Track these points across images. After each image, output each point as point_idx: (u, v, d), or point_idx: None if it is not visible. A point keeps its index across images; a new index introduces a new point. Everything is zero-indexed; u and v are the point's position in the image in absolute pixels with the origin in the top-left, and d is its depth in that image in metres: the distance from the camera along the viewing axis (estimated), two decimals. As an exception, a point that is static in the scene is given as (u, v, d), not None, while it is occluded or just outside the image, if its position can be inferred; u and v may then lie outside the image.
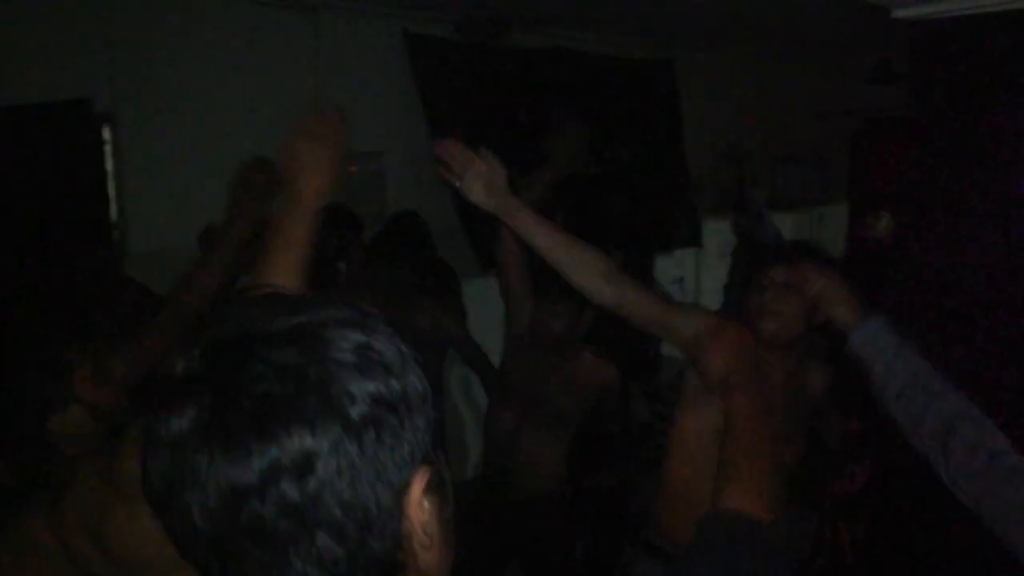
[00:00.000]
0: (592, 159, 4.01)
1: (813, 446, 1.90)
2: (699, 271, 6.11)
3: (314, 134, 1.29)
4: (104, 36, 3.14)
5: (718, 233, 5.66)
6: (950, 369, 1.31)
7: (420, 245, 3.29)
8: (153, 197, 3.23)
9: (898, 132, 4.98)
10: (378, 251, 3.19)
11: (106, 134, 3.20)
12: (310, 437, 0.53)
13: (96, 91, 3.11)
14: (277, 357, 0.55)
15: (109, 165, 3.20)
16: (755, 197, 4.57)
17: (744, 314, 1.70)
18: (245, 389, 0.54)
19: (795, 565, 2.15)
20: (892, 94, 4.62)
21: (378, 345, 0.59)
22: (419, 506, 0.59)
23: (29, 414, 1.28)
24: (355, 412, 0.55)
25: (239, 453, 0.52)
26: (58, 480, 1.26)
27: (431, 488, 0.60)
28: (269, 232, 1.27)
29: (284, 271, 1.19)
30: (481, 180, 1.53)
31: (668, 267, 5.58)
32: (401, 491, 0.58)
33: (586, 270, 1.54)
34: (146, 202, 3.25)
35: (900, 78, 4.96)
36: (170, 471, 0.54)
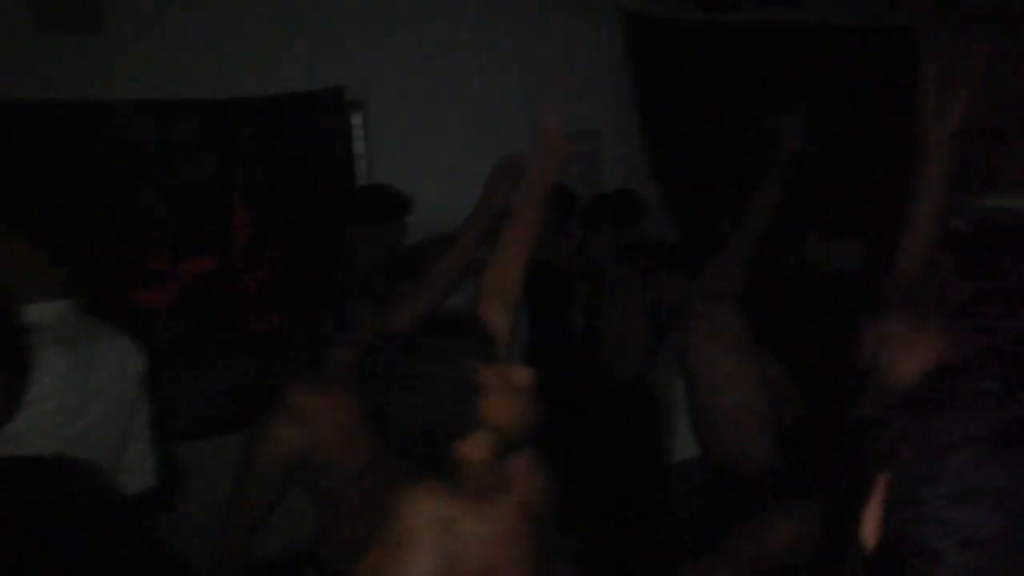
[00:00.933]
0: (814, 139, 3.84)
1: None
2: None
3: (549, 144, 1.61)
4: (357, 28, 3.49)
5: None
6: None
7: (622, 222, 3.36)
8: (398, 180, 3.57)
9: None
10: (586, 223, 3.38)
11: (356, 120, 3.60)
12: None
13: (349, 80, 3.52)
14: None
15: (359, 149, 3.61)
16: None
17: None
18: None
19: None
20: None
21: None
22: None
23: (429, 438, 1.22)
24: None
25: None
26: None
27: None
28: (511, 214, 1.59)
29: (517, 250, 1.49)
30: None
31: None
32: None
33: None
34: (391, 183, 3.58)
35: None
36: None
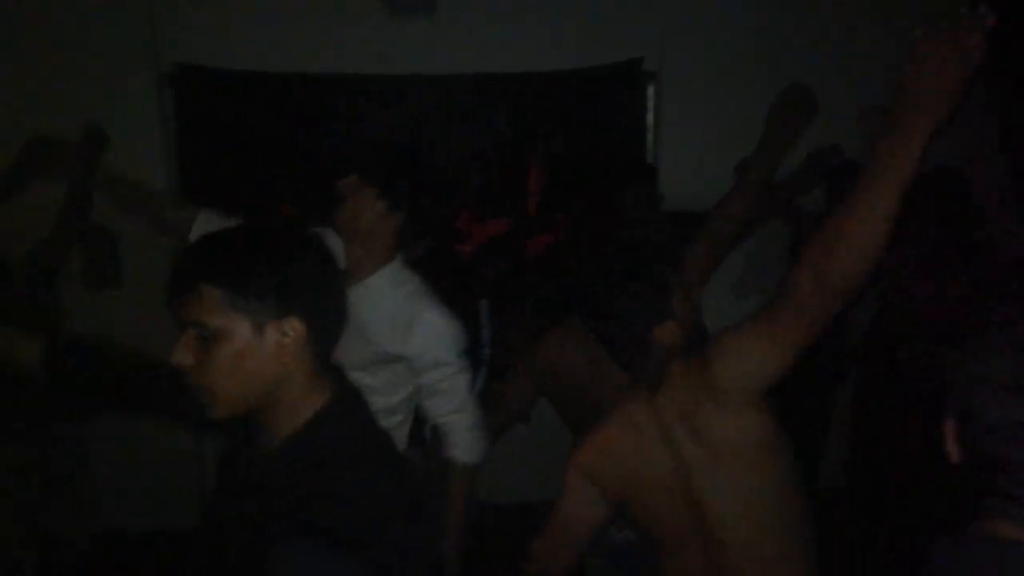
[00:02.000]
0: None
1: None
2: None
3: (951, 42, 1.10)
4: (657, 2, 3.56)
5: None
6: None
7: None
8: (686, 152, 3.59)
9: None
10: None
11: (650, 91, 3.66)
12: None
13: (646, 53, 3.58)
14: None
15: (650, 120, 3.67)
16: None
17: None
18: None
19: None
20: None
21: None
22: None
23: (638, 324, 1.56)
24: None
25: None
26: (657, 379, 1.59)
27: None
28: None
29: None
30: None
31: None
32: None
33: None
34: (679, 157, 3.61)
35: None
36: None
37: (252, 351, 1.00)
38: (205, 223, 2.02)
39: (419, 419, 2.18)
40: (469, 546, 2.14)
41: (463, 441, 2.04)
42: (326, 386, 1.09)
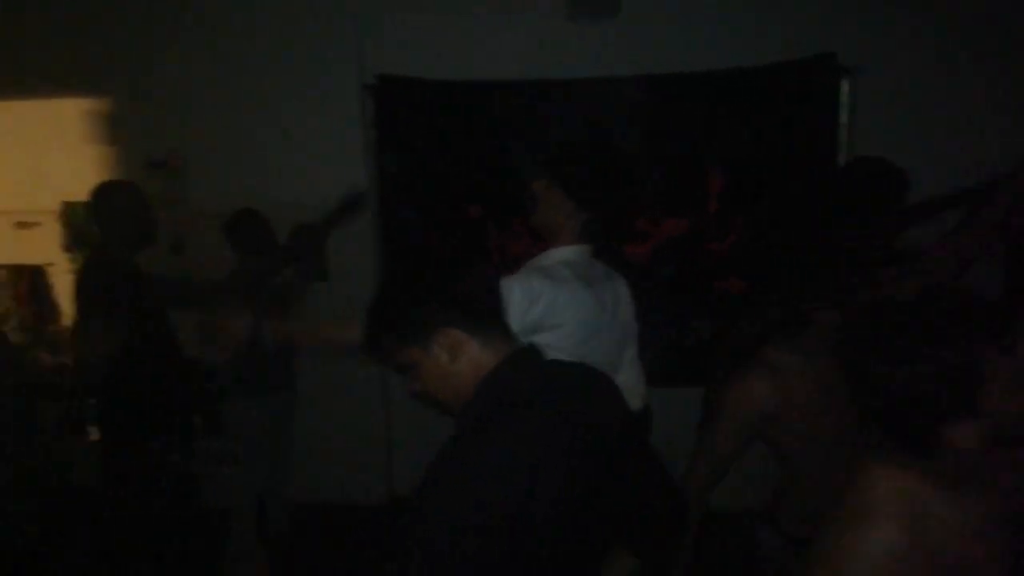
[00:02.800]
0: None
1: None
2: None
3: None
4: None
5: None
6: None
7: None
8: (884, 152, 3.35)
9: None
10: None
11: (844, 87, 3.47)
12: None
13: (840, 46, 3.39)
14: None
15: (843, 117, 3.48)
16: None
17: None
18: None
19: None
20: None
21: None
22: None
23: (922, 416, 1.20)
24: None
25: None
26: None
27: None
28: None
29: None
30: None
31: None
32: None
33: None
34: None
35: None
36: None
37: (435, 365, 1.29)
38: None
39: None
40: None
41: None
42: (499, 351, 1.30)
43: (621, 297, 2.16)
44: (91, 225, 2.79)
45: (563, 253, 2.05)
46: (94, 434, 2.95)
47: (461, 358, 1.27)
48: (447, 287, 1.29)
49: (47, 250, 3.79)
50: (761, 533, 2.03)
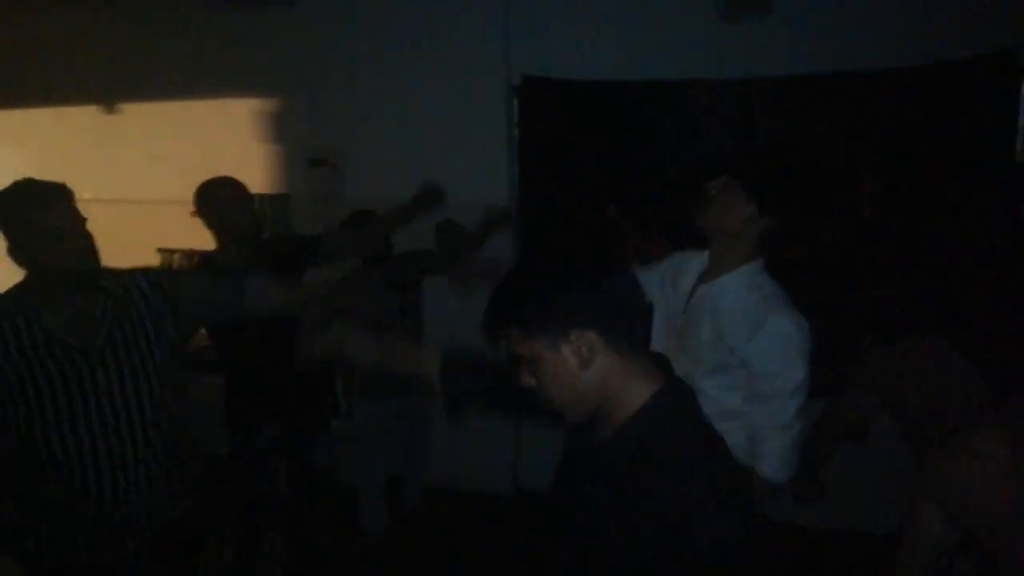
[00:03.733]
0: None
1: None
2: None
3: None
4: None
5: None
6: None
7: None
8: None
9: None
10: None
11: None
12: None
13: (1019, 43, 3.12)
14: None
15: (1022, 118, 3.19)
16: None
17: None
18: None
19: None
20: None
21: None
22: None
23: None
24: None
25: None
26: None
27: None
28: None
29: None
30: None
31: None
32: None
33: None
34: None
35: None
36: None
37: (560, 366, 1.16)
38: None
39: None
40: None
41: (775, 459, 1.98)
42: (652, 378, 1.19)
43: None
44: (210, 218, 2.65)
45: (756, 269, 2.00)
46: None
47: (592, 367, 1.15)
48: (597, 283, 1.16)
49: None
50: None
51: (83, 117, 4.37)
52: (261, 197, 3.80)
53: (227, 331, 2.62)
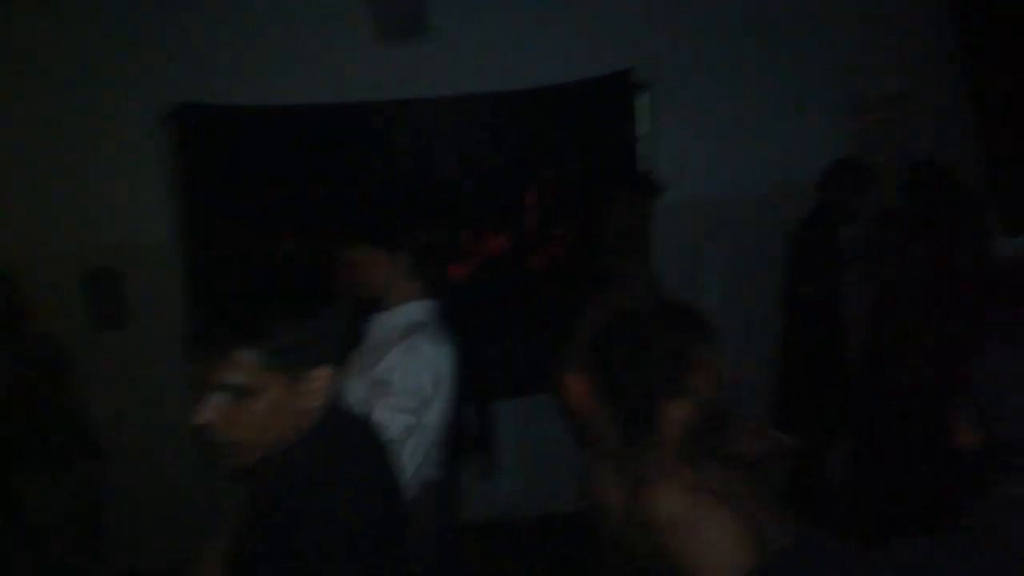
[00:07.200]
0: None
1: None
2: None
3: None
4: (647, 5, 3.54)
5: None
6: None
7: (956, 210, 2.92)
8: (680, 158, 3.55)
9: None
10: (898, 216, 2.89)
11: (641, 101, 3.60)
12: None
13: (641, 62, 3.55)
14: None
15: (642, 130, 3.61)
16: None
17: None
18: None
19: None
20: None
21: None
22: None
23: (642, 398, 1.38)
24: None
25: None
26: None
27: None
28: None
29: None
30: None
31: None
32: None
33: None
34: (679, 164, 3.53)
35: None
36: None
37: (286, 402, 1.09)
38: None
39: None
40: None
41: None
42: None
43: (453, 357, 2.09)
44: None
45: (412, 312, 2.02)
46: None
47: (319, 398, 1.12)
48: (340, 318, 1.17)
49: None
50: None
51: None
52: None
53: None
